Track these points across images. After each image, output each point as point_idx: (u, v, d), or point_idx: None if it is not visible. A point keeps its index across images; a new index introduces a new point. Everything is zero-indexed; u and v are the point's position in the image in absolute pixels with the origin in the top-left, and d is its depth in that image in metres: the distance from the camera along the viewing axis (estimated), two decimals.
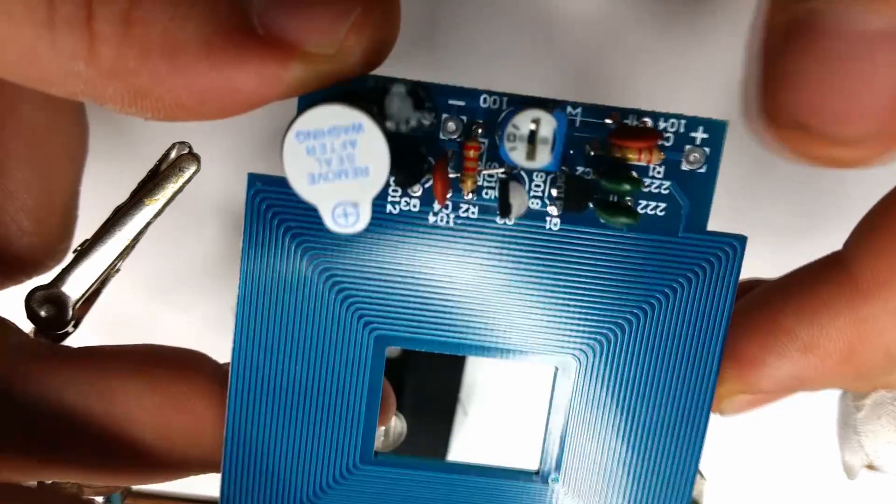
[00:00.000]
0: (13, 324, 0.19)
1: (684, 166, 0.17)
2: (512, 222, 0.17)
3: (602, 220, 0.17)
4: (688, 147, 0.17)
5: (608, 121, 0.17)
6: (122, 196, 0.20)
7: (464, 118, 0.16)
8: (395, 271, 0.17)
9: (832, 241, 0.18)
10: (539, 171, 0.17)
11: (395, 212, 0.17)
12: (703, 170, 0.17)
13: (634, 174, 0.17)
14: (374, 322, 0.18)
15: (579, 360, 0.18)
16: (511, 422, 0.37)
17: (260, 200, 0.17)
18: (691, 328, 0.18)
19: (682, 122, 0.17)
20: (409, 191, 0.17)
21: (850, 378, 0.17)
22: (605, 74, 0.34)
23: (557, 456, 0.18)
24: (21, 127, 0.20)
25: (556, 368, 0.18)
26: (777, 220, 0.35)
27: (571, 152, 0.17)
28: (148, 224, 0.20)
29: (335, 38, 0.14)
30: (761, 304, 0.18)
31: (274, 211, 0.17)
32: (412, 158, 0.16)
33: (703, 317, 0.18)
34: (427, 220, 0.17)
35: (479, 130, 0.17)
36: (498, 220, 0.17)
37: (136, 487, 0.22)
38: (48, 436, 0.18)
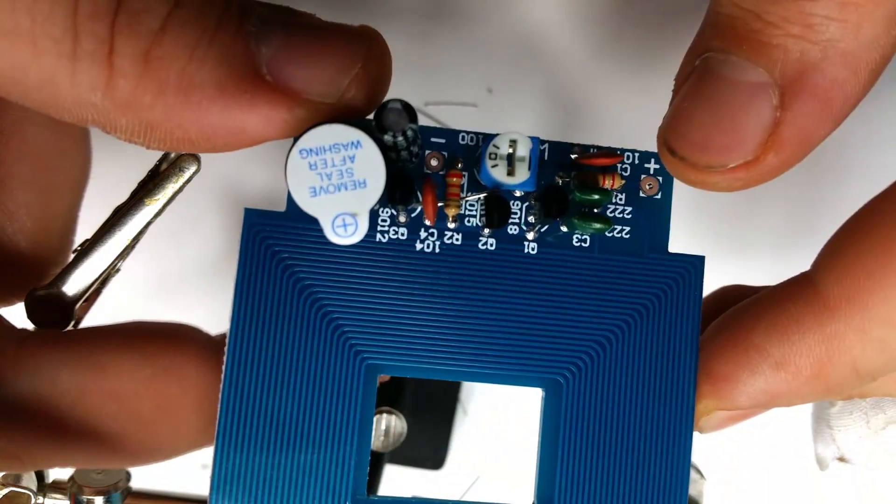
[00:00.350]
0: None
1: (641, 193, 0.19)
2: (485, 245, 0.18)
3: (578, 229, 0.18)
4: (643, 177, 0.19)
5: (573, 155, 0.19)
6: (122, 196, 0.20)
7: (445, 154, 0.18)
8: (385, 299, 0.18)
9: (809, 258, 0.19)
10: (518, 188, 0.18)
11: (384, 240, 0.18)
12: (658, 196, 0.19)
13: (607, 190, 0.19)
14: (364, 350, 0.18)
15: (565, 380, 0.19)
16: (511, 422, 0.37)
17: (255, 234, 0.18)
18: (667, 343, 0.19)
19: (637, 154, 0.19)
20: (398, 219, 0.18)
21: (820, 392, 0.18)
22: (571, 114, 0.34)
23: (551, 484, 0.18)
24: (26, 148, 0.20)
25: (543, 391, 0.19)
26: (766, 238, 0.35)
27: (542, 182, 0.19)
28: (148, 224, 0.20)
29: (337, 89, 0.16)
30: (734, 322, 0.19)
31: (268, 244, 0.18)
32: (404, 181, 0.17)
33: (676, 332, 0.19)
34: (414, 247, 0.18)
35: (459, 165, 0.18)
36: (483, 232, 0.18)
37: (136, 487, 0.22)
38: (47, 420, 0.18)
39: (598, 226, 0.18)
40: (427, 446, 0.37)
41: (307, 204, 0.16)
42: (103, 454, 0.18)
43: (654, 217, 0.19)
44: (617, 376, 0.19)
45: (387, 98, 0.16)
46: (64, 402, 0.18)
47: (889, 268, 0.16)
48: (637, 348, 0.19)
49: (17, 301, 0.20)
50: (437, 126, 0.19)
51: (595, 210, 0.19)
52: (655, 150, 0.18)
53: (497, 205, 0.17)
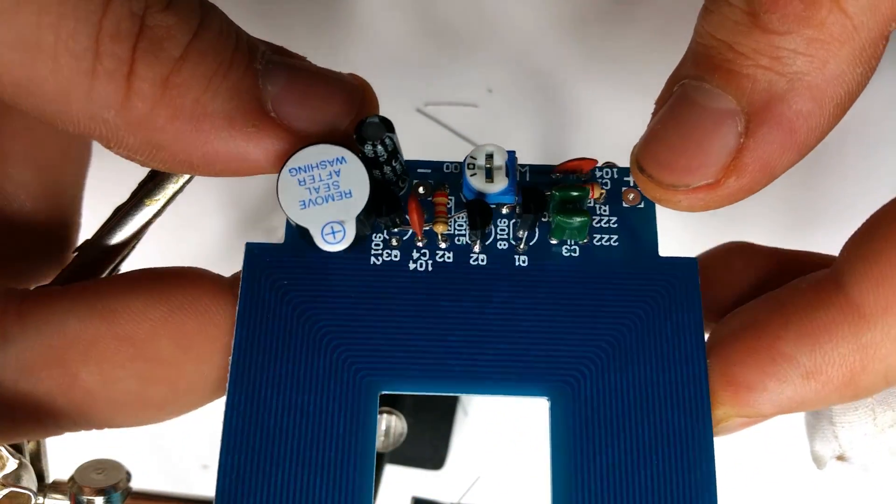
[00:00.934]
0: None
1: (624, 204, 0.20)
2: (476, 260, 0.19)
3: (561, 228, 0.19)
4: (624, 189, 0.20)
5: (553, 175, 0.20)
6: (123, 196, 0.20)
7: (431, 182, 0.19)
8: (383, 319, 0.18)
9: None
10: (499, 198, 0.19)
11: (378, 263, 0.19)
12: (641, 205, 0.20)
13: (584, 186, 0.19)
14: (365, 369, 0.18)
15: (570, 388, 0.18)
16: (511, 421, 0.37)
17: (256, 264, 0.19)
18: (671, 347, 0.19)
19: (615, 170, 0.20)
20: (391, 242, 0.19)
21: (847, 399, 0.18)
22: (571, 114, 0.34)
23: (568, 497, 0.18)
24: (20, 127, 0.20)
25: (548, 401, 0.18)
26: (761, 238, 0.35)
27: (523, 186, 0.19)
28: (148, 224, 0.20)
29: (337, 127, 0.17)
30: (757, 327, 0.18)
31: (268, 273, 0.19)
32: (390, 193, 0.18)
33: (680, 334, 0.19)
34: (408, 267, 0.19)
35: (446, 188, 0.19)
36: (474, 248, 0.19)
37: (136, 487, 0.22)
38: (63, 374, 0.17)
39: (579, 219, 0.18)
40: (427, 446, 0.37)
41: (298, 216, 0.17)
42: (129, 402, 0.18)
43: (640, 224, 0.20)
44: (623, 381, 0.18)
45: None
46: (76, 351, 0.17)
47: None
48: (640, 352, 0.18)
49: (26, 283, 0.20)
50: (423, 160, 0.20)
51: (575, 206, 0.19)
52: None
53: (478, 207, 0.18)
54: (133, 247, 0.20)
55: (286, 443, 0.18)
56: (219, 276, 0.19)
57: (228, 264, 0.19)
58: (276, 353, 0.18)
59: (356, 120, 0.17)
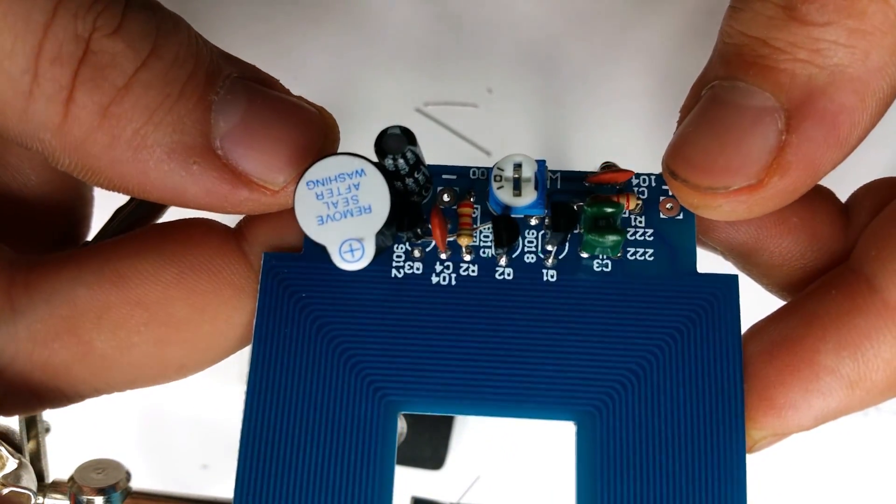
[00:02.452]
0: (1, 245, 0.18)
1: (662, 215, 0.18)
2: (502, 275, 0.18)
3: (593, 246, 0.17)
4: (662, 198, 0.18)
5: (586, 183, 0.18)
6: (123, 198, 0.20)
7: (457, 189, 0.18)
8: (403, 335, 0.18)
9: None
10: (527, 211, 0.18)
11: (399, 276, 0.18)
12: (680, 216, 0.18)
13: (618, 201, 0.18)
14: (383, 388, 0.17)
15: (598, 412, 0.17)
16: (511, 422, 0.37)
17: (274, 276, 0.18)
18: (706, 367, 0.17)
19: (653, 177, 0.18)
20: (413, 254, 0.18)
21: (889, 398, 0.17)
22: (571, 114, 0.34)
23: None
24: None
25: (576, 425, 0.17)
26: None
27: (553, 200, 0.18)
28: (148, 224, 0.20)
29: (283, 180, 0.16)
30: (791, 343, 0.17)
31: (286, 284, 0.18)
32: (412, 207, 0.17)
33: (715, 354, 0.17)
34: (430, 280, 0.18)
35: (472, 198, 0.18)
36: (500, 262, 0.18)
37: (136, 487, 0.22)
38: (77, 343, 0.17)
39: (612, 238, 0.17)
40: (427, 446, 0.37)
41: (315, 232, 0.16)
42: (147, 365, 0.18)
43: (678, 237, 0.18)
44: (654, 405, 0.17)
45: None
46: (88, 319, 0.17)
47: None
48: (673, 375, 0.17)
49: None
50: (448, 165, 0.18)
51: (609, 222, 0.18)
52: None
53: (505, 223, 0.17)
54: None
55: (303, 459, 0.17)
56: (225, 228, 0.18)
57: None
58: (294, 369, 0.17)
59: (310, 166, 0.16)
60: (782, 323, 0.17)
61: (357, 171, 0.16)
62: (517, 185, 0.17)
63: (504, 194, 0.17)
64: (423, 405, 0.17)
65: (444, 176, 0.18)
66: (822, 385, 0.16)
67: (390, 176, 0.16)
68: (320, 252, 0.17)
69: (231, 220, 0.18)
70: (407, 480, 0.36)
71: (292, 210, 0.16)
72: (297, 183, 0.16)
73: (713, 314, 0.18)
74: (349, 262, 0.16)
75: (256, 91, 0.16)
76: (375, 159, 0.16)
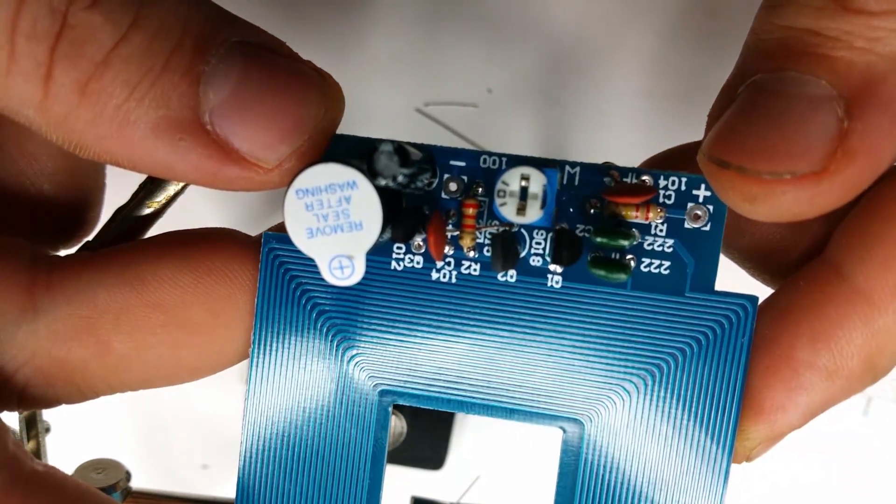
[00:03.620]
0: (26, 242, 0.18)
1: (687, 224, 0.16)
2: (504, 277, 0.17)
3: (599, 277, 0.16)
4: (690, 205, 0.16)
5: (606, 179, 0.17)
6: (124, 197, 0.20)
7: (464, 178, 0.17)
8: (400, 328, 0.17)
9: None
10: (532, 227, 0.17)
11: (399, 268, 0.17)
12: (707, 227, 0.16)
13: (632, 231, 0.16)
14: (378, 378, 0.17)
15: (586, 423, 0.17)
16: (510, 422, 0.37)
17: (273, 258, 0.18)
18: (704, 391, 0.17)
19: (683, 179, 0.16)
20: (412, 247, 0.17)
21: (868, 383, 0.17)
22: (571, 114, 0.34)
23: None
24: None
25: (563, 430, 0.17)
26: None
27: (571, 210, 0.17)
28: (149, 225, 0.20)
29: (277, 157, 0.15)
30: (768, 344, 0.17)
31: (286, 268, 0.17)
32: (409, 215, 0.16)
33: (716, 379, 0.17)
34: (430, 276, 0.17)
35: (480, 189, 0.17)
36: (499, 276, 0.17)
37: (136, 487, 0.22)
38: (95, 342, 0.17)
39: (620, 276, 0.16)
40: (427, 446, 0.37)
41: (304, 245, 0.15)
42: (162, 366, 0.18)
43: (701, 251, 0.16)
44: (644, 423, 0.17)
45: (378, 137, 0.16)
46: (107, 320, 0.17)
47: None
48: (669, 395, 0.17)
49: (55, 249, 0.20)
50: (456, 147, 0.17)
51: (613, 255, 0.16)
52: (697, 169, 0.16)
53: (504, 247, 0.16)
54: None
55: (298, 441, 0.17)
56: (245, 237, 0.18)
57: None
58: (291, 352, 0.18)
59: (308, 152, 0.15)
60: (759, 323, 0.17)
61: (349, 183, 0.15)
62: (524, 197, 0.16)
63: (507, 211, 0.16)
64: (416, 400, 0.17)
65: (452, 162, 0.17)
66: (803, 381, 0.16)
67: (384, 189, 0.15)
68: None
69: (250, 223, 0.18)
70: (407, 480, 0.36)
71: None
72: (287, 191, 0.15)
73: (723, 336, 0.17)
74: (339, 279, 0.16)
75: (254, 58, 0.15)
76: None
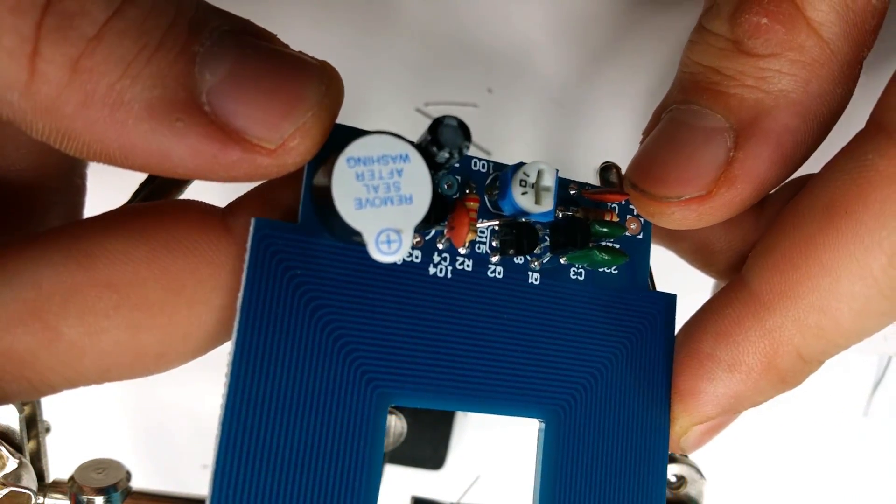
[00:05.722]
0: None
1: (627, 233, 0.20)
2: (493, 273, 0.18)
3: (595, 259, 0.19)
4: (628, 217, 0.20)
5: (571, 191, 0.19)
6: (124, 197, 0.20)
7: (458, 178, 0.18)
8: (398, 324, 0.17)
9: None
10: (541, 218, 0.18)
11: (398, 262, 0.17)
12: (640, 236, 0.20)
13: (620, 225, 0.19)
14: (377, 379, 0.17)
15: (563, 411, 0.19)
16: (510, 422, 0.37)
17: (266, 246, 0.16)
18: (646, 376, 0.19)
19: (623, 201, 0.20)
20: (414, 237, 0.17)
21: (776, 383, 0.19)
22: (571, 114, 0.34)
23: None
24: None
25: (543, 422, 0.18)
26: None
27: (560, 215, 0.19)
28: None
29: (280, 135, 0.15)
30: (686, 338, 0.19)
31: (279, 258, 0.16)
32: (443, 201, 0.17)
33: (653, 365, 0.20)
34: (427, 271, 0.18)
35: (473, 191, 0.18)
36: (492, 259, 0.18)
37: (136, 487, 0.22)
38: (42, 328, 0.15)
39: (622, 259, 0.19)
40: (427, 446, 0.37)
41: (352, 216, 0.15)
42: (121, 353, 0.16)
43: (638, 255, 0.20)
44: (606, 406, 0.19)
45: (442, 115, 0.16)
46: (54, 303, 0.15)
47: (812, 258, 0.17)
48: (623, 380, 0.19)
49: (30, 226, 0.19)
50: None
51: (614, 245, 0.19)
52: None
53: (527, 231, 0.17)
54: None
55: (287, 447, 0.16)
56: (209, 207, 0.17)
57: None
58: (282, 351, 0.16)
59: (312, 128, 0.15)
60: (688, 323, 0.20)
61: (401, 156, 0.15)
62: (537, 192, 0.17)
63: (526, 201, 0.17)
64: (413, 399, 0.17)
65: None
66: (705, 370, 0.19)
67: (434, 166, 0.15)
68: (318, 224, 0.16)
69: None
70: (407, 480, 0.36)
71: (290, 177, 0.15)
72: (338, 157, 0.15)
73: (654, 327, 0.20)
74: (385, 254, 0.15)
75: (248, 42, 0.15)
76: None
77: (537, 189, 0.17)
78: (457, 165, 0.17)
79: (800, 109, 0.17)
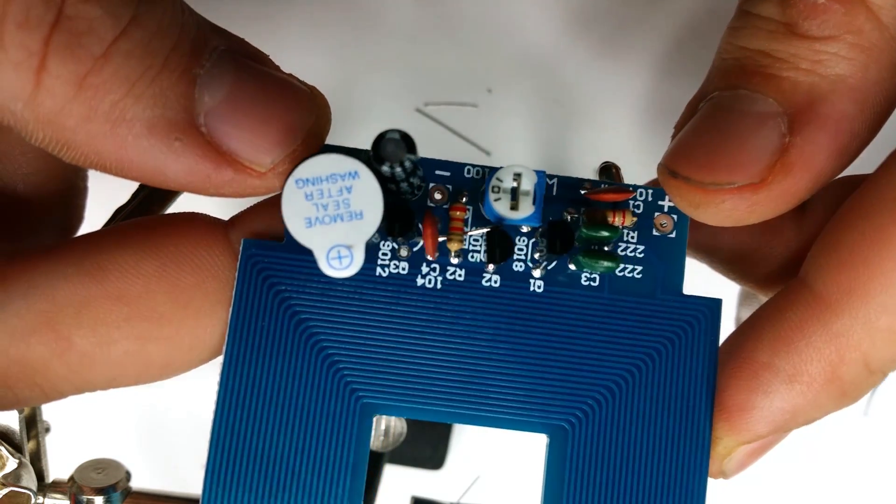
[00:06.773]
0: None
1: (655, 231, 0.18)
2: (489, 282, 0.17)
3: (585, 267, 0.17)
4: (657, 214, 0.18)
5: (582, 191, 0.18)
6: (124, 197, 0.20)
7: (449, 187, 0.18)
8: (384, 337, 0.17)
9: None
10: (523, 223, 0.17)
11: (384, 275, 0.17)
12: (672, 234, 0.18)
13: (616, 227, 0.18)
14: (360, 390, 0.17)
15: (571, 427, 0.17)
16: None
17: (253, 264, 0.17)
18: (679, 390, 0.17)
19: (650, 191, 0.18)
20: (399, 252, 0.17)
21: (836, 397, 0.17)
22: (571, 114, 0.34)
23: None
24: None
25: (548, 437, 0.17)
26: None
27: (550, 218, 0.18)
28: None
29: (271, 161, 0.15)
30: (736, 347, 0.17)
31: (265, 275, 0.17)
32: (404, 213, 0.16)
33: (689, 378, 0.17)
34: (415, 282, 0.17)
35: (464, 199, 0.18)
36: (487, 269, 0.17)
37: (136, 487, 0.22)
38: (55, 338, 0.16)
39: (606, 264, 0.17)
40: (427, 446, 0.37)
41: (301, 235, 0.15)
42: (129, 363, 0.17)
43: (668, 256, 0.18)
44: (626, 423, 0.17)
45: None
46: (67, 315, 0.16)
47: (885, 253, 0.16)
48: (648, 394, 0.17)
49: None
50: (441, 159, 0.18)
51: (603, 247, 0.18)
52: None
53: (499, 239, 0.16)
54: None
55: (274, 457, 0.17)
56: (215, 221, 0.18)
57: None
58: (269, 363, 0.17)
59: (300, 155, 0.15)
60: (734, 333, 0.18)
61: (350, 173, 0.15)
62: (514, 196, 0.16)
63: (501, 206, 0.16)
64: (398, 409, 0.17)
65: (437, 172, 0.18)
66: (761, 382, 0.17)
67: (385, 180, 0.16)
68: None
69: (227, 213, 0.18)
70: (407, 480, 0.36)
71: (280, 198, 0.15)
72: (286, 178, 0.15)
73: (693, 336, 0.18)
74: (336, 270, 0.15)
75: (245, 66, 0.15)
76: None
77: (517, 193, 0.16)
78: (413, 181, 0.17)
79: (858, 96, 0.16)
